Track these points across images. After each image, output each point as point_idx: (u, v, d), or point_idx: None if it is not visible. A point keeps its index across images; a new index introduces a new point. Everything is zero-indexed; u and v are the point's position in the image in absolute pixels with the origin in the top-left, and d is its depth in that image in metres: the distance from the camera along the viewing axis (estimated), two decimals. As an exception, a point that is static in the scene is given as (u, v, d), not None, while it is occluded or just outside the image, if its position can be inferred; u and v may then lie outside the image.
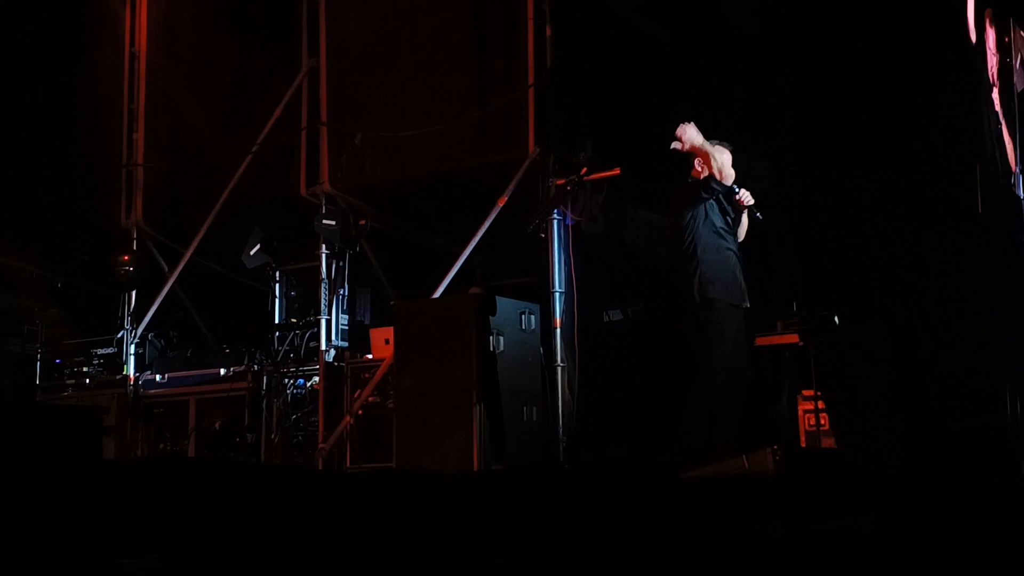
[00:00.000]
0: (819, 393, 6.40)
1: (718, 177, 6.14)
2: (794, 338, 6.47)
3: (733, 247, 6.22)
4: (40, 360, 9.21)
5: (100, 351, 8.86)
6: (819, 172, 7.98)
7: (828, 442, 6.43)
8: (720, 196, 6.20)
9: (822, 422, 6.44)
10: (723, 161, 6.18)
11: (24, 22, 9.26)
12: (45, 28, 9.35)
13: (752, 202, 6.24)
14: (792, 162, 8.17)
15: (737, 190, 6.24)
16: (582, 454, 6.86)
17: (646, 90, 7.42)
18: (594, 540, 3.16)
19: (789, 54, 7.92)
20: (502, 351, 6.79)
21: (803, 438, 6.66)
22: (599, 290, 7.50)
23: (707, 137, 6.21)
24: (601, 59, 7.30)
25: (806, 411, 6.66)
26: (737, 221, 6.32)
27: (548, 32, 7.21)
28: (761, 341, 6.63)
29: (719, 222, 6.19)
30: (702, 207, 6.15)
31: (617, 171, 7.03)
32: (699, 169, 6.24)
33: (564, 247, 7.04)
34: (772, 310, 6.92)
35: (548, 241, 7.08)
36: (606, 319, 8.09)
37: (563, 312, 6.98)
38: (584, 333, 7.01)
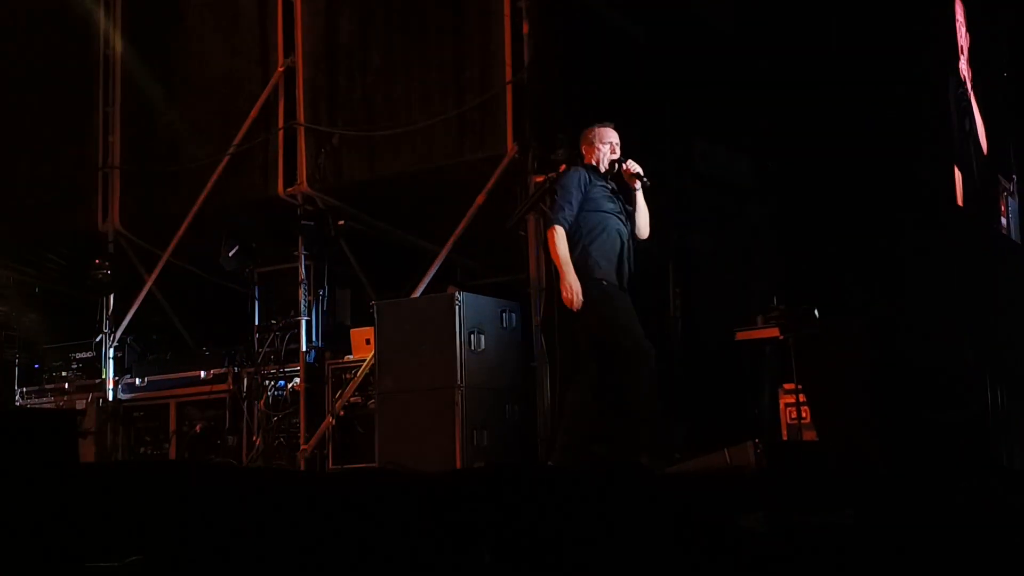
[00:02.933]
0: (800, 387, 6.42)
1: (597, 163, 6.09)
2: (775, 332, 6.49)
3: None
4: (18, 365, 9.15)
5: (79, 355, 8.80)
6: (798, 166, 8.01)
7: (809, 435, 6.45)
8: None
9: (803, 415, 6.46)
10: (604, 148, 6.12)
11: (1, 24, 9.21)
12: (18, 29, 9.29)
13: (638, 168, 6.04)
14: (771, 157, 8.19)
15: (622, 162, 6.08)
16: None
17: (623, 86, 7.42)
18: (578, 537, 3.16)
19: (766, 47, 7.94)
20: (483, 349, 6.79)
21: (784, 431, 6.68)
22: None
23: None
24: (578, 56, 7.30)
25: (787, 405, 6.68)
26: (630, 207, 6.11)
27: (525, 29, 7.20)
28: (742, 335, 6.65)
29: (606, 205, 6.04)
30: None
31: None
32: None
33: (544, 244, 7.03)
34: (752, 304, 6.94)
35: (528, 238, 7.08)
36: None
37: (543, 309, 6.98)
38: (564, 329, 6.99)
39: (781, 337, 6.44)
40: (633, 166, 6.03)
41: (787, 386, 6.64)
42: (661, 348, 6.18)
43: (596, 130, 6.18)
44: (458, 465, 6.46)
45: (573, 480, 4.21)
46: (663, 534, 3.19)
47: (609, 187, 6.09)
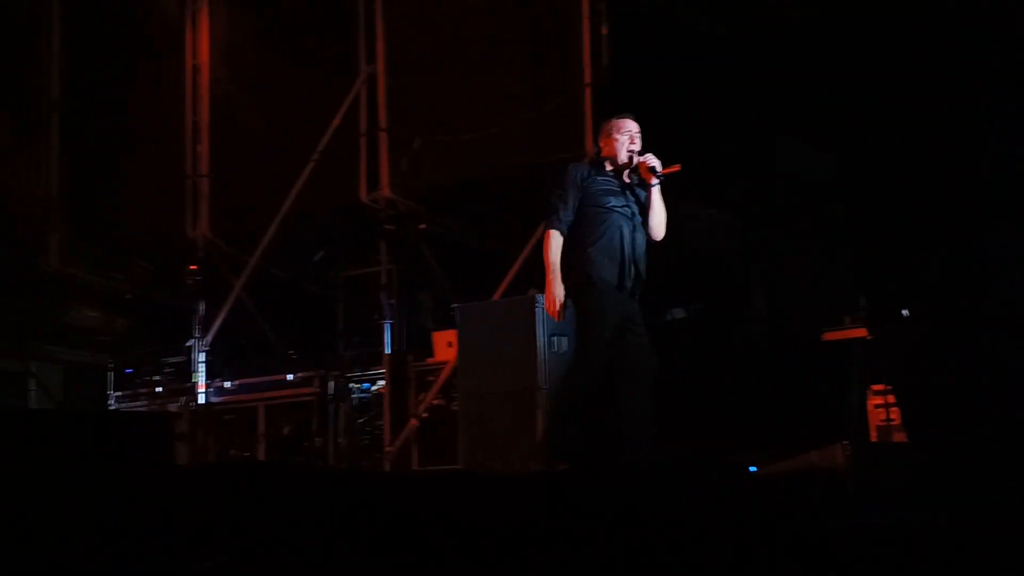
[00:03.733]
0: (889, 387, 6.31)
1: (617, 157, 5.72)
2: (862, 332, 6.38)
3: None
4: (112, 370, 9.39)
5: (170, 360, 9.01)
6: (883, 160, 7.87)
7: (899, 437, 6.34)
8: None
9: (892, 417, 6.35)
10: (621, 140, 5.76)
11: (91, 37, 9.46)
12: (110, 43, 9.53)
13: (657, 162, 5.61)
14: (856, 154, 8.06)
15: (640, 155, 5.67)
16: (647, 453, 6.83)
17: (705, 85, 7.37)
18: (663, 538, 3.15)
19: (852, 43, 7.82)
20: (564, 351, 6.79)
21: (873, 433, 6.57)
22: (660, 289, 7.46)
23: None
24: (658, 56, 7.27)
25: (876, 406, 6.57)
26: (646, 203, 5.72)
27: (604, 31, 7.20)
28: (829, 336, 6.55)
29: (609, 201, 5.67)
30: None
31: (678, 167, 6.99)
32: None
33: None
34: (839, 304, 6.84)
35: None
36: (668, 318, 8.05)
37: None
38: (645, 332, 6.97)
39: (869, 337, 6.33)
40: (650, 159, 5.64)
41: (876, 387, 6.53)
42: (746, 349, 6.10)
43: (614, 121, 5.86)
44: (541, 467, 6.46)
45: (655, 481, 4.20)
46: (750, 535, 3.17)
47: (616, 181, 5.71)
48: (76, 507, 2.74)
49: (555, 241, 5.58)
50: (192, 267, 8.83)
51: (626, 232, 5.59)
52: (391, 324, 7.96)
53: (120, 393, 9.16)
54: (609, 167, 5.74)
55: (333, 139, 8.40)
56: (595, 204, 5.61)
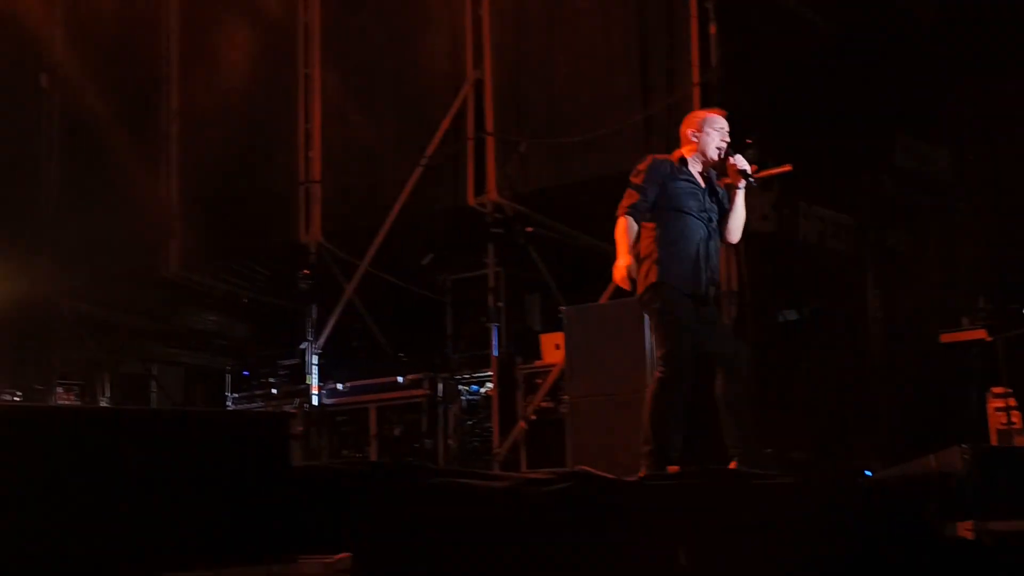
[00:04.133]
0: (1010, 390, 6.11)
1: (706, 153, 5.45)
2: (982, 333, 6.20)
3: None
4: (229, 373, 9.65)
5: (285, 362, 9.21)
6: (1002, 157, 7.63)
7: (1021, 441, 6.14)
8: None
9: (1014, 420, 6.14)
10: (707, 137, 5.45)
11: (206, 49, 9.74)
12: (225, 54, 9.79)
13: (747, 167, 5.35)
14: (976, 150, 7.83)
15: (731, 154, 5.39)
16: (758, 457, 6.74)
17: (816, 83, 7.24)
18: (777, 541, 3.10)
19: (971, 37, 7.60)
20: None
21: (994, 437, 6.37)
22: (773, 290, 7.36)
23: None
24: (767, 53, 7.17)
25: (996, 409, 6.36)
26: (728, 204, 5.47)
27: (712, 30, 7.12)
28: (946, 338, 6.38)
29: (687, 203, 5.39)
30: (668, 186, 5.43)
31: (788, 167, 6.89)
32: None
33: (734, 247, 6.93)
34: (957, 305, 6.65)
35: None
36: (781, 319, 7.93)
37: (735, 313, 6.88)
38: (758, 334, 6.88)
39: (989, 339, 6.14)
40: (741, 161, 5.36)
41: (996, 389, 6.33)
42: (861, 352, 5.97)
43: (704, 115, 5.56)
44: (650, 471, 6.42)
45: (768, 486, 4.14)
46: (866, 541, 3.11)
47: (697, 182, 5.44)
48: (198, 504, 2.82)
49: (629, 226, 5.33)
50: (305, 272, 9.01)
51: (701, 238, 5.37)
52: (499, 327, 8.00)
53: (237, 395, 9.40)
54: (693, 164, 5.48)
55: (441, 143, 8.49)
56: (673, 206, 5.37)
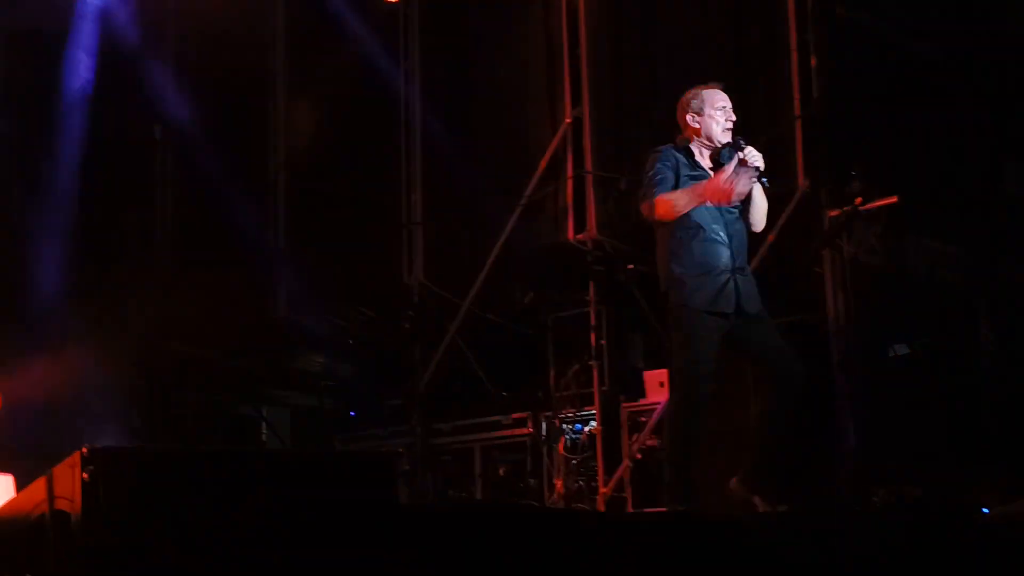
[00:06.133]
0: None
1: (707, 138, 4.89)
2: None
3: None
4: (336, 413, 9.78)
5: (390, 402, 9.32)
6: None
7: None
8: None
9: None
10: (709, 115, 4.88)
11: (311, 102, 9.99)
12: (328, 105, 10.02)
13: (759, 162, 4.81)
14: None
15: (742, 146, 4.81)
16: (871, 494, 6.58)
17: (920, 111, 7.11)
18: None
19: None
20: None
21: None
22: (882, 324, 7.21)
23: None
24: (870, 84, 7.07)
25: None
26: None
27: (813, 62, 7.06)
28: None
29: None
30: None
31: (894, 199, 6.77)
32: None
33: (841, 280, 6.82)
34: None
35: (823, 275, 6.88)
36: (891, 354, 7.75)
37: (843, 348, 6.75)
38: (867, 369, 6.74)
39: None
40: (753, 156, 4.79)
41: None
42: (970, 386, 5.79)
43: (700, 92, 4.95)
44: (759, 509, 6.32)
45: (883, 524, 4.05)
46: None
47: (707, 173, 4.91)
48: (309, 544, 2.87)
49: (669, 197, 4.81)
50: (409, 312, 9.13)
51: (721, 239, 4.89)
52: (602, 365, 7.98)
53: (344, 435, 9.52)
54: (701, 156, 4.99)
55: (540, 182, 8.55)
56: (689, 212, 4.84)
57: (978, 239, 7.17)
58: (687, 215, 4.87)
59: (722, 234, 4.93)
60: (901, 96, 7.17)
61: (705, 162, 5.04)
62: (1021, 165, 7.63)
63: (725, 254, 4.92)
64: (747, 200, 4.98)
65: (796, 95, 7.12)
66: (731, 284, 4.88)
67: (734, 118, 4.94)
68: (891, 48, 7.31)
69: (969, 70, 7.31)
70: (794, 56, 7.13)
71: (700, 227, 4.91)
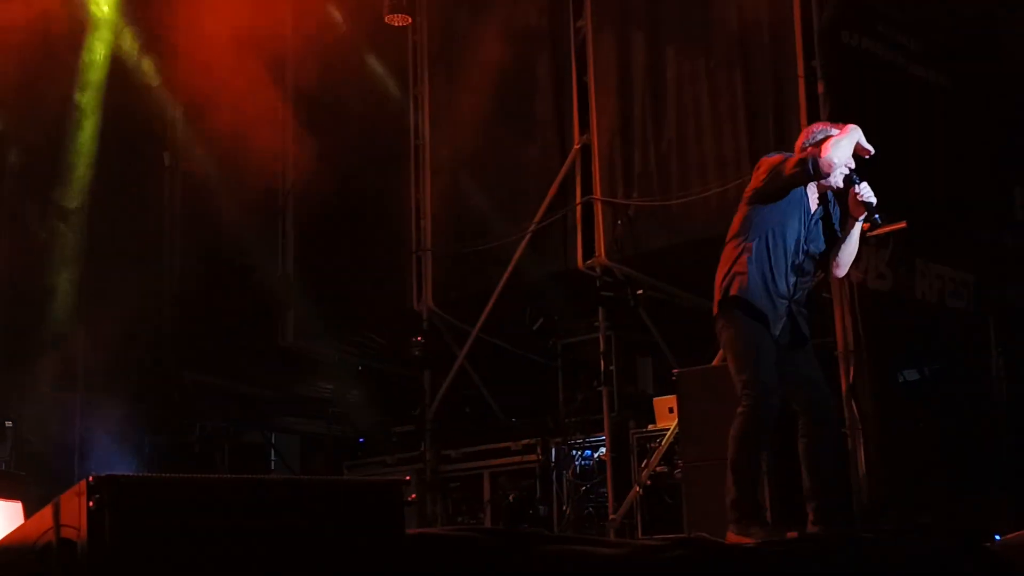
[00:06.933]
0: None
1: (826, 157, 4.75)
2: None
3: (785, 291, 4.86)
4: (345, 440, 9.78)
5: (399, 429, 9.30)
6: None
7: None
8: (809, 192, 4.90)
9: None
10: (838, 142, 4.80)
11: (320, 129, 10.04)
12: (337, 130, 10.07)
13: (872, 199, 4.79)
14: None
15: (856, 181, 4.83)
16: (882, 521, 6.54)
17: (928, 137, 7.12)
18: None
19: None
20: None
21: None
22: (892, 349, 7.18)
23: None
24: (878, 111, 7.08)
25: None
26: (841, 233, 4.95)
27: (820, 89, 7.07)
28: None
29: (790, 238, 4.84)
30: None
31: (903, 224, 6.76)
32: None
33: (850, 306, 6.80)
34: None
35: (832, 300, 6.87)
36: (901, 379, 7.72)
37: (853, 374, 6.72)
38: (877, 395, 6.71)
39: None
40: (867, 192, 4.83)
41: None
42: (980, 411, 5.76)
43: (829, 129, 4.98)
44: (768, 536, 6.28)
45: (895, 552, 4.02)
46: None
47: (807, 204, 4.93)
48: (316, 572, 2.86)
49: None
50: (418, 339, 9.14)
51: (789, 266, 4.88)
52: (611, 390, 7.97)
53: (352, 462, 9.50)
54: (810, 186, 4.95)
55: (549, 209, 8.57)
56: (773, 220, 4.88)
57: (987, 264, 7.16)
58: (773, 239, 4.91)
59: (789, 266, 4.95)
60: (909, 122, 7.17)
61: (812, 195, 5.02)
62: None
63: (787, 287, 4.96)
64: (838, 240, 5.02)
65: (803, 122, 7.13)
66: (782, 310, 4.95)
67: (853, 164, 4.92)
68: (900, 75, 7.32)
69: (977, 96, 7.32)
70: (800, 83, 7.14)
71: (779, 251, 4.94)
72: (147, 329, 9.74)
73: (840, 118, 6.97)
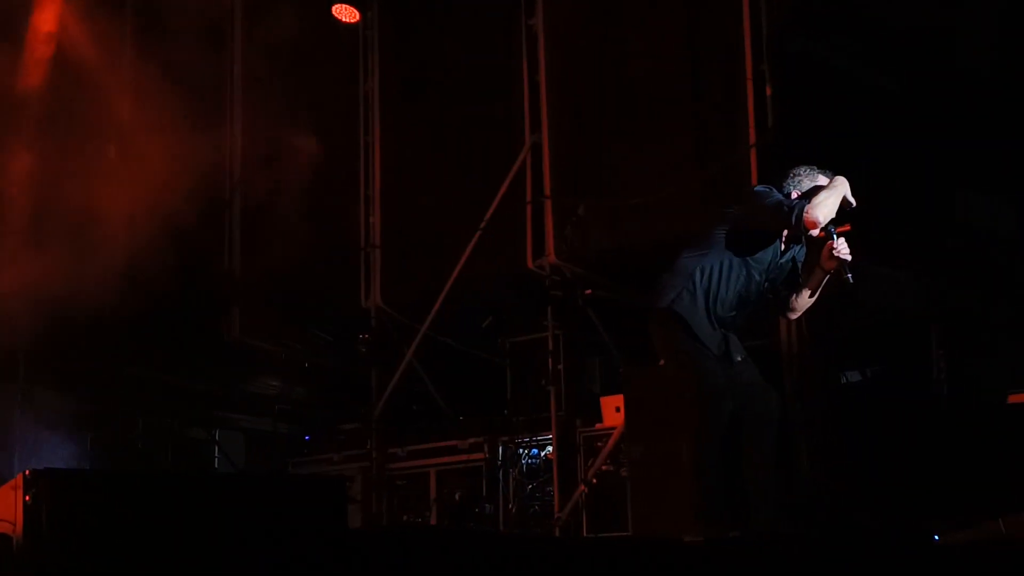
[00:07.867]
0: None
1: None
2: (1052, 393, 6.06)
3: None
4: (290, 437, 9.70)
5: (345, 426, 9.25)
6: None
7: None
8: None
9: (1090, 484, 5.97)
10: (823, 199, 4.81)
11: (269, 119, 9.94)
12: (286, 123, 9.97)
13: (848, 256, 4.84)
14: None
15: (834, 235, 4.87)
16: (821, 520, 6.61)
17: (874, 140, 7.21)
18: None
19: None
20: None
21: (1069, 501, 6.18)
22: (835, 351, 7.27)
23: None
24: (824, 113, 7.16)
25: (1071, 472, 6.20)
26: (802, 279, 5.03)
27: (768, 91, 7.14)
28: (1015, 399, 6.24)
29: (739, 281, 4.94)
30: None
31: (848, 227, 6.84)
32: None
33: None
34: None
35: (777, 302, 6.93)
36: (843, 381, 7.82)
37: (796, 375, 6.80)
38: (820, 396, 6.79)
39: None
40: (843, 249, 4.86)
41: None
42: (926, 413, 5.84)
43: (817, 176, 5.02)
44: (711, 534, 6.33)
45: (832, 550, 4.07)
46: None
47: (777, 243, 4.98)
48: (257, 566, 2.84)
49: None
50: (365, 336, 9.09)
51: (736, 297, 4.97)
52: (559, 390, 7.98)
53: (298, 459, 9.44)
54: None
55: (499, 207, 8.56)
56: (739, 248, 4.93)
57: (930, 267, 7.26)
58: (733, 272, 4.97)
59: (736, 303, 5.02)
60: (854, 126, 7.26)
61: (783, 235, 5.01)
62: (972, 194, 7.75)
63: (729, 320, 5.05)
64: (796, 285, 5.07)
65: (751, 124, 7.19)
66: (718, 335, 5.04)
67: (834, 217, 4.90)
68: (846, 78, 7.41)
69: (921, 101, 7.42)
70: (749, 85, 7.20)
71: (733, 284, 5.00)
72: (89, 321, 9.59)
73: (788, 121, 7.08)
